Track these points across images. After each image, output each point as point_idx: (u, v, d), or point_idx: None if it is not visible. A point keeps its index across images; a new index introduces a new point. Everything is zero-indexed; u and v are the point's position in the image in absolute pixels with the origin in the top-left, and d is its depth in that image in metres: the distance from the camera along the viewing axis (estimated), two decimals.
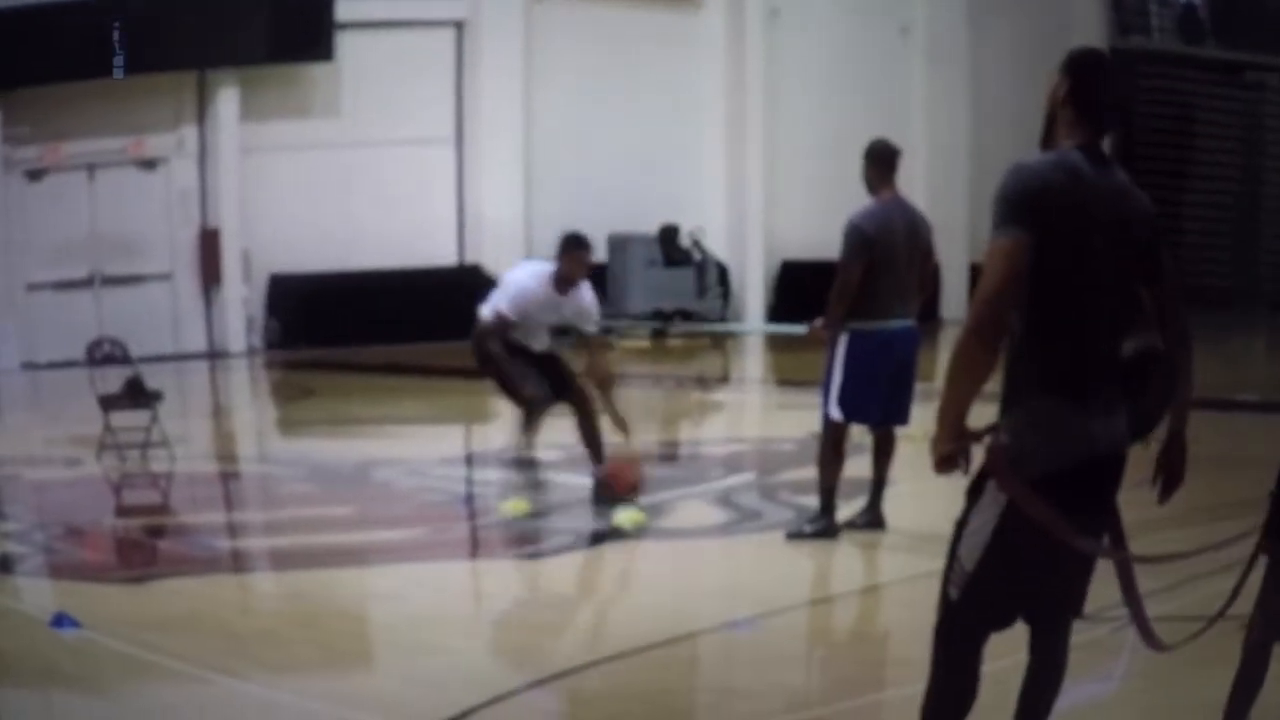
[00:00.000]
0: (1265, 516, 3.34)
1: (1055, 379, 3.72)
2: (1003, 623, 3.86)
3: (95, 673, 2.71)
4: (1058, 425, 3.73)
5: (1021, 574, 3.73)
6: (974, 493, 3.82)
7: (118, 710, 2.63)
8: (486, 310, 8.74)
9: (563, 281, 8.74)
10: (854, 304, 7.81)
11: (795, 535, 8.39)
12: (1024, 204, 3.69)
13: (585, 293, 9.06)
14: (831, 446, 8.19)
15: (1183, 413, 3.95)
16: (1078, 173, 3.73)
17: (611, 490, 8.60)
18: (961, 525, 3.85)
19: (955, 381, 3.74)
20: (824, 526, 8.22)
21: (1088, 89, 3.75)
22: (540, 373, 9.05)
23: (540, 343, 9.04)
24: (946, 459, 3.73)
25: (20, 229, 5.20)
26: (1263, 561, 3.71)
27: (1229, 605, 3.58)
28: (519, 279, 9.01)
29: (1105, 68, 3.91)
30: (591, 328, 9.09)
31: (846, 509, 8.19)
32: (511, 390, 9.13)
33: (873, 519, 8.24)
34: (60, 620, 2.98)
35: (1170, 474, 3.93)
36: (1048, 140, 3.92)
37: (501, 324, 8.62)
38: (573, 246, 8.83)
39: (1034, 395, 3.75)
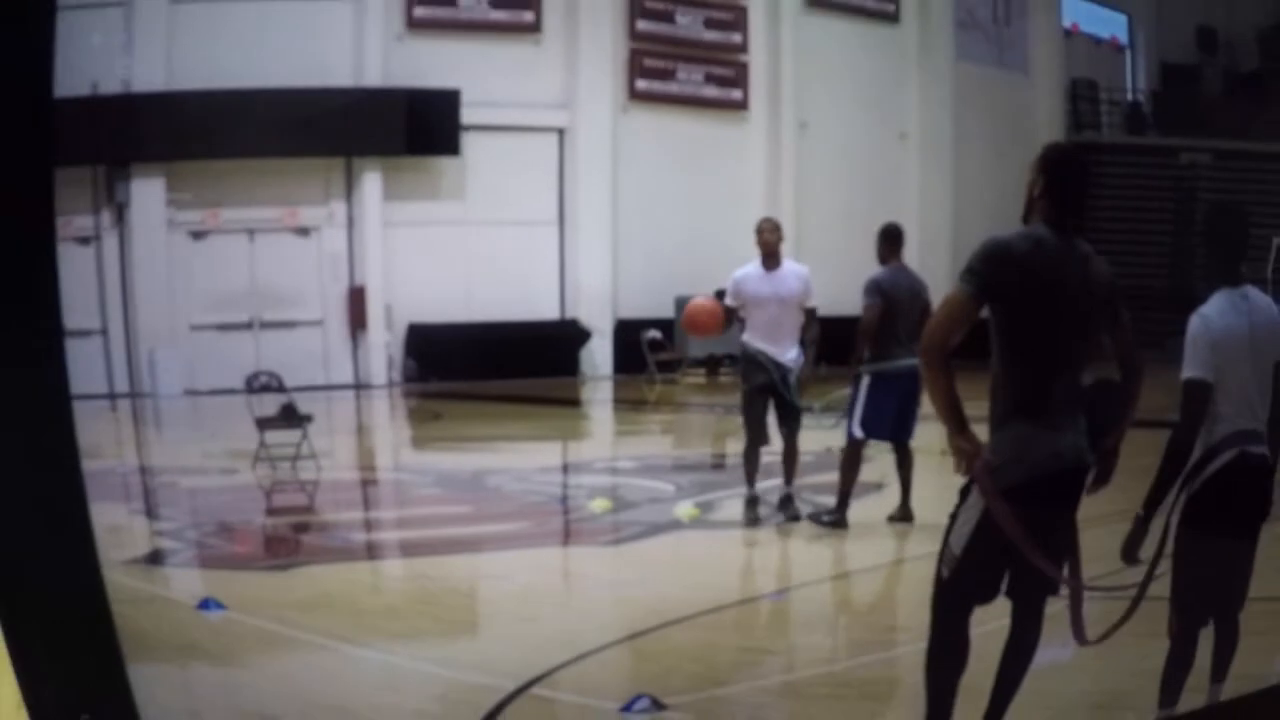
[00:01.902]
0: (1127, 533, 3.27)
1: (1027, 408, 3.68)
2: (984, 598, 3.79)
3: (234, 647, 2.64)
4: (1029, 445, 3.69)
5: (998, 559, 3.68)
6: (964, 493, 3.78)
7: (250, 676, 2.56)
8: None
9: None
10: (872, 349, 7.78)
11: (814, 517, 8.32)
12: (982, 269, 3.73)
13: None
14: (852, 457, 8.13)
15: (1120, 433, 3.84)
16: (1042, 243, 3.71)
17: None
18: (953, 518, 3.80)
19: (931, 396, 3.80)
20: (837, 519, 8.15)
21: (1057, 182, 3.68)
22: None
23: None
24: (961, 454, 3.74)
25: (184, 279, 5.16)
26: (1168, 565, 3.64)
27: (1133, 609, 3.52)
28: None
29: (1073, 162, 3.86)
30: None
31: (859, 507, 8.11)
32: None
33: (904, 514, 8.17)
34: (206, 604, 2.92)
35: (1100, 476, 3.85)
36: (1027, 219, 3.86)
37: None
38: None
39: (1010, 421, 3.72)
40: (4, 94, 1.13)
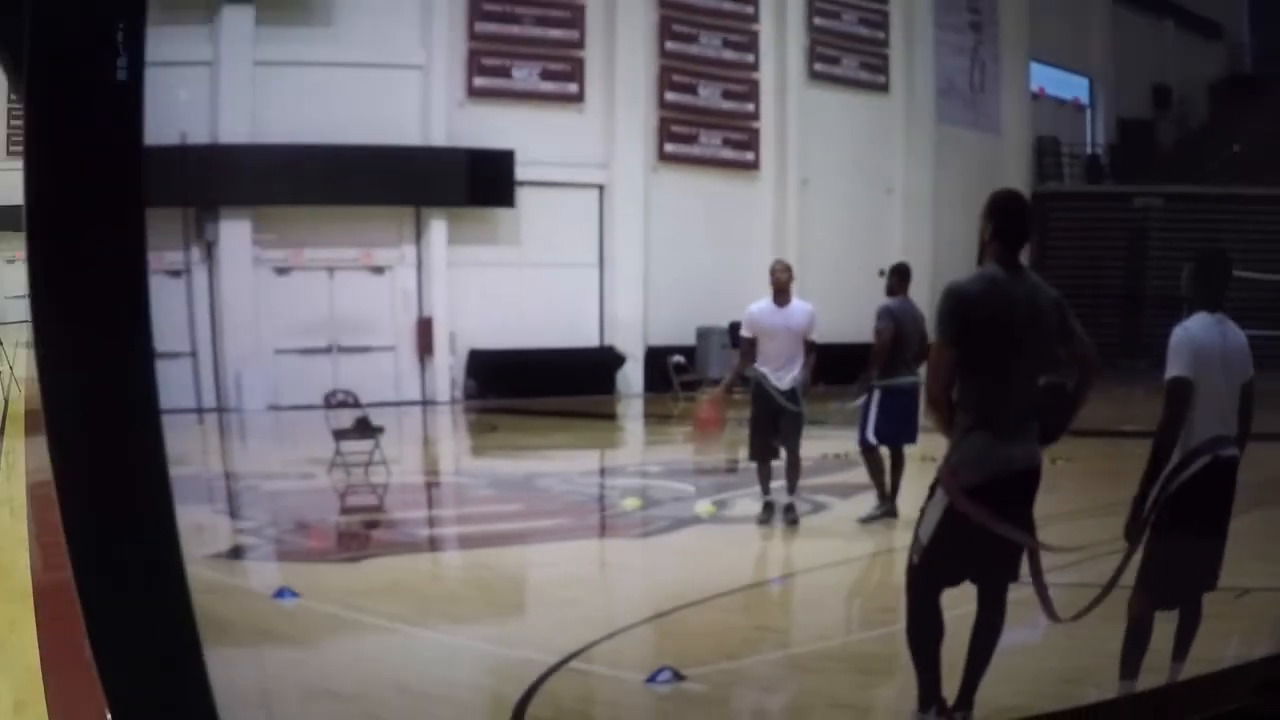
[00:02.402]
0: (1126, 518, 3.22)
1: (985, 422, 3.73)
2: (950, 582, 3.77)
3: (305, 631, 2.59)
4: (987, 452, 3.73)
5: (961, 548, 3.70)
6: (931, 491, 3.81)
7: (319, 656, 2.51)
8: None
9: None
10: (883, 369, 7.76)
11: (865, 519, 8.30)
12: (950, 320, 3.83)
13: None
14: (873, 460, 8.09)
15: (1072, 416, 3.92)
16: (995, 281, 3.77)
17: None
18: (921, 513, 3.82)
19: (938, 429, 3.86)
20: (888, 509, 8.12)
21: (1004, 225, 3.74)
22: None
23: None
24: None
25: (268, 309, 5.06)
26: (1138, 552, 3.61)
27: (1111, 585, 3.48)
28: None
29: (1016, 206, 3.95)
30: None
31: (850, 505, 8.05)
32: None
33: (890, 510, 8.12)
34: (282, 593, 2.87)
35: (1051, 433, 3.91)
36: (981, 261, 3.91)
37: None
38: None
39: (971, 432, 3.74)
40: (98, 143, 1.07)
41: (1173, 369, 2.96)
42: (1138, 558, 3.25)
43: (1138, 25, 2.47)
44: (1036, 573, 3.68)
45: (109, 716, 1.36)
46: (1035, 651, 2.75)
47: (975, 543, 3.69)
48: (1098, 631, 2.38)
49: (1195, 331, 2.90)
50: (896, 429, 9.15)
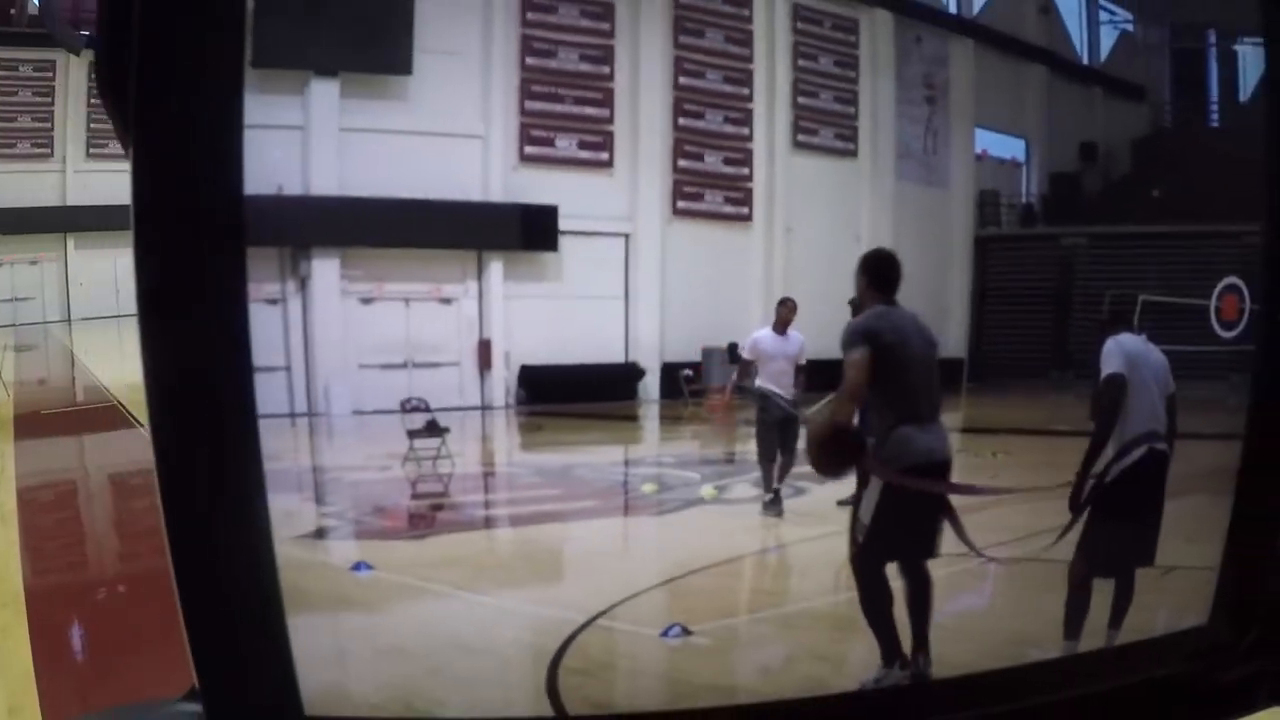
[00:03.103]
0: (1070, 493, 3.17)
1: (905, 419, 3.86)
2: (893, 555, 3.80)
3: (378, 599, 2.52)
4: (912, 442, 3.87)
5: (898, 524, 3.78)
6: (864, 481, 3.90)
7: (389, 620, 2.44)
8: None
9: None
10: None
11: (842, 502, 8.14)
12: (862, 335, 3.92)
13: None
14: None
15: None
16: (884, 313, 3.94)
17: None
18: (858, 500, 3.88)
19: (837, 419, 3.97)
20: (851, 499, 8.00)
21: (877, 277, 3.91)
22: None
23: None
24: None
25: (354, 332, 4.92)
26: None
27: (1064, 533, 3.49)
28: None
29: (886, 260, 4.07)
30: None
31: (827, 490, 7.93)
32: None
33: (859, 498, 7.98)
34: (358, 566, 2.79)
35: None
36: (863, 307, 4.02)
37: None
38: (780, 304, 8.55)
39: (895, 428, 3.87)
40: (204, 192, 1.01)
41: (1107, 368, 2.89)
42: (1078, 531, 3.20)
43: (1069, 92, 2.41)
44: (959, 530, 3.70)
45: (195, 679, 1.26)
46: (985, 617, 2.64)
47: (909, 518, 3.78)
48: (1043, 599, 2.29)
49: (1125, 340, 2.83)
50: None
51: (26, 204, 50.75)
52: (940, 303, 3.31)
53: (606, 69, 2.25)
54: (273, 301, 1.35)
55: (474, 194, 2.23)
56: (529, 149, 2.43)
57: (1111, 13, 1.67)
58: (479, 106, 2.15)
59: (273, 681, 1.16)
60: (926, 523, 3.87)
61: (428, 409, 3.55)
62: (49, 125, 52.93)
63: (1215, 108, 1.45)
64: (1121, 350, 3.00)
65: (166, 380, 1.06)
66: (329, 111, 1.74)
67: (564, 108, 2.40)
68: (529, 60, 2.11)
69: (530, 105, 2.28)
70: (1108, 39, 1.69)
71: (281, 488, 1.25)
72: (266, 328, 1.19)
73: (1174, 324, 1.35)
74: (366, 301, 1.92)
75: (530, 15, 2.03)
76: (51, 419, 20.98)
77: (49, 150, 52.89)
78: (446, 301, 2.22)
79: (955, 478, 3.75)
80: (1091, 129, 1.65)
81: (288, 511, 1.30)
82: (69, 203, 50.79)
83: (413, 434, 3.13)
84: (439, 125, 2.07)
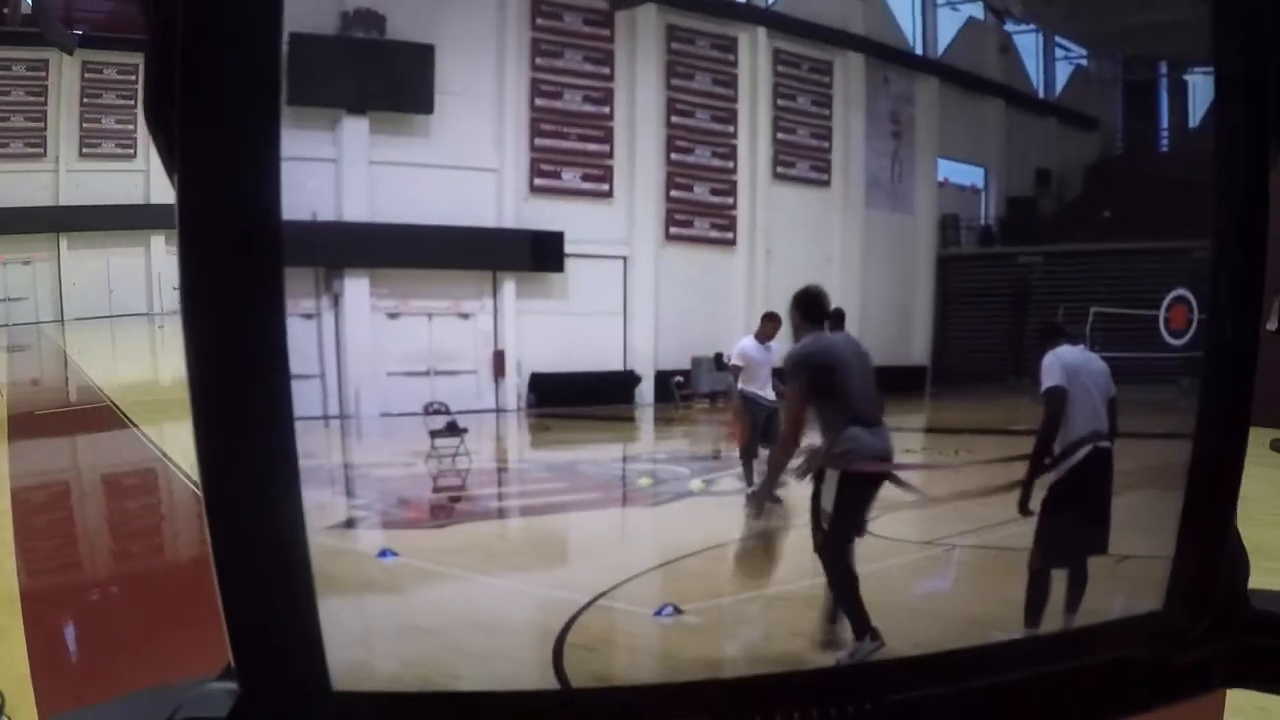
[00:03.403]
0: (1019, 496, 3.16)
1: (851, 422, 3.75)
2: (851, 540, 3.74)
3: (401, 582, 2.50)
4: (864, 440, 3.76)
5: (857, 512, 3.74)
6: (821, 477, 3.90)
7: (411, 601, 2.42)
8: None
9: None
10: None
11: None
12: (795, 366, 4.03)
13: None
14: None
15: None
16: (819, 339, 3.91)
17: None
18: (818, 495, 3.85)
19: (785, 449, 4.08)
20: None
21: (808, 309, 3.82)
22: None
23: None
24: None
25: (383, 343, 4.90)
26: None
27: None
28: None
29: (811, 295, 3.92)
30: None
31: (805, 484, 7.96)
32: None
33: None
34: (384, 553, 2.76)
35: None
36: (798, 338, 4.02)
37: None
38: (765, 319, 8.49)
39: (847, 428, 3.78)
40: (245, 218, 1.17)
41: (1047, 381, 2.88)
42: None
43: (1026, 123, 2.39)
44: (902, 485, 3.85)
45: (231, 658, 1.26)
46: (950, 600, 2.62)
47: (866, 505, 3.79)
48: (1001, 582, 2.28)
49: (1063, 353, 2.82)
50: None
51: (19, 204, 48.99)
52: (905, 316, 3.30)
53: (607, 109, 2.23)
54: (309, 316, 1.34)
55: (489, 221, 2.24)
56: (538, 181, 2.42)
57: (1067, 49, 1.66)
58: (493, 142, 2.14)
59: (303, 660, 1.22)
60: (871, 501, 3.87)
61: (448, 411, 3.57)
62: (42, 125, 51.43)
63: (1165, 134, 1.43)
64: (1060, 363, 2.99)
65: (210, 387, 1.13)
66: (359, 146, 1.72)
67: (569, 144, 2.39)
68: (538, 101, 2.10)
69: (539, 142, 2.27)
70: (1063, 73, 1.68)
71: (315, 483, 1.27)
72: (303, 340, 1.22)
73: (1125, 333, 1.34)
74: (393, 316, 1.92)
75: (539, 60, 2.01)
76: (46, 419, 20.41)
77: (42, 150, 51.60)
78: (465, 316, 2.23)
79: (910, 473, 3.79)
80: (1047, 156, 1.64)
81: (321, 504, 1.30)
82: (62, 202, 48.76)
83: (434, 434, 3.15)
84: (458, 159, 2.06)
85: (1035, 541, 3.35)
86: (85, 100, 48.25)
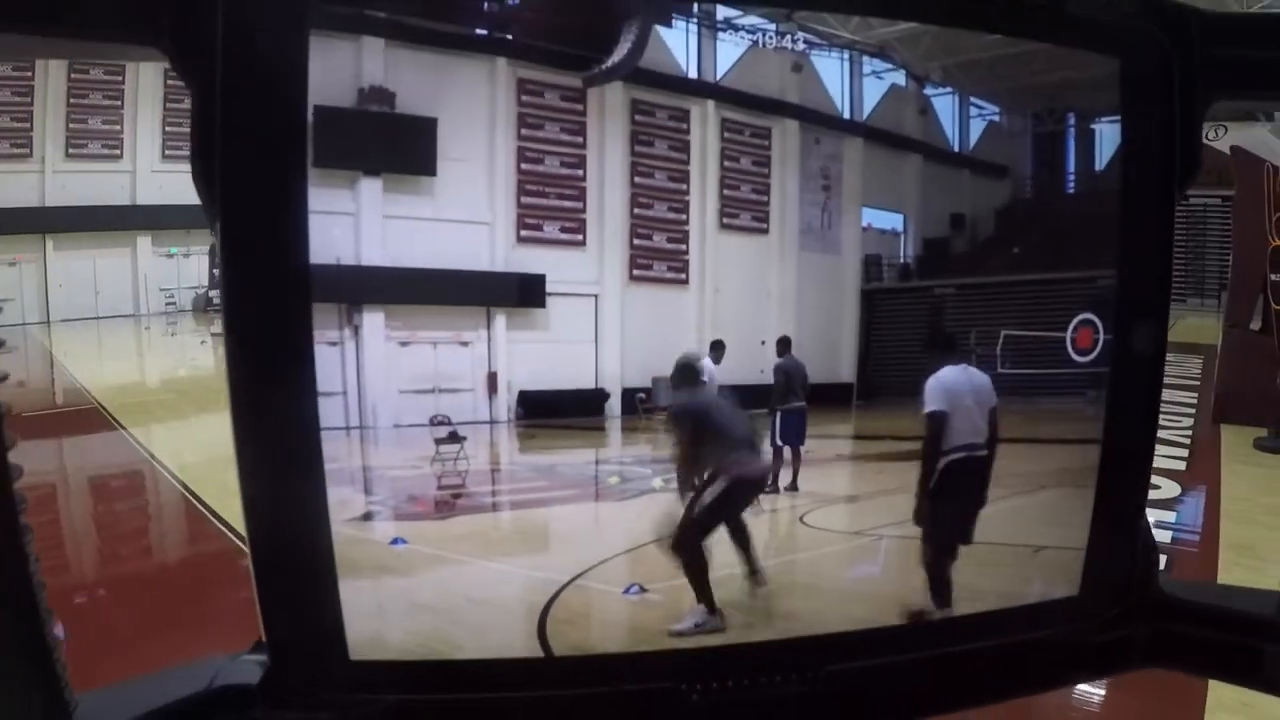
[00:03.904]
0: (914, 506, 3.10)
1: (732, 450, 3.77)
2: (712, 531, 3.65)
3: (411, 566, 2.43)
4: (739, 464, 3.74)
5: (728, 510, 3.44)
6: (710, 481, 3.62)
7: (419, 582, 2.35)
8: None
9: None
10: (780, 399, 7.59)
11: (786, 488, 8.16)
12: (682, 418, 3.82)
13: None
14: (777, 454, 7.96)
15: None
16: (694, 396, 3.78)
17: None
18: (698, 492, 3.56)
19: (682, 477, 3.67)
20: (789, 486, 8.00)
21: (682, 379, 3.77)
22: None
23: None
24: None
25: (395, 367, 4.83)
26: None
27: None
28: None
29: (688, 364, 3.91)
30: None
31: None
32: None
33: (794, 486, 7.95)
34: (396, 540, 2.69)
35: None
36: (675, 396, 3.84)
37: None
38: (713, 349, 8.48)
39: (726, 456, 3.73)
40: (278, 262, 1.13)
41: (929, 405, 2.84)
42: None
43: (942, 175, 2.33)
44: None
45: (262, 634, 1.21)
46: (878, 583, 2.54)
47: (737, 507, 3.57)
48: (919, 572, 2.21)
49: (943, 376, 2.76)
50: (793, 436, 8.97)
51: (5, 205, 43.60)
52: (834, 341, 3.26)
53: (580, 172, 2.18)
54: (333, 344, 1.30)
55: (483, 265, 2.19)
56: (523, 232, 2.37)
57: (981, 107, 1.61)
58: (486, 200, 2.09)
59: (325, 633, 1.22)
60: (746, 506, 3.89)
61: (450, 423, 3.53)
62: (28, 125, 44.97)
63: (1071, 178, 1.38)
64: (940, 386, 2.93)
65: (249, 403, 1.12)
66: (374, 202, 1.67)
67: (549, 201, 2.34)
68: (523, 166, 2.05)
69: (524, 200, 2.22)
70: (977, 129, 1.63)
71: (338, 482, 1.24)
72: (328, 363, 1.19)
73: (1035, 352, 1.28)
74: (404, 344, 1.87)
75: (524, 131, 1.96)
76: (33, 421, 17.81)
77: (28, 150, 45.08)
78: (464, 344, 2.19)
79: (842, 473, 3.71)
80: (961, 203, 1.59)
81: (342, 500, 1.26)
82: (48, 203, 42.65)
83: (438, 441, 3.12)
84: (457, 214, 2.02)
85: (922, 537, 3.29)
86: (71, 101, 42.46)
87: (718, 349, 8.14)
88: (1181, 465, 18.46)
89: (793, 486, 8.06)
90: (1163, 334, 1.29)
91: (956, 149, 1.92)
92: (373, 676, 1.19)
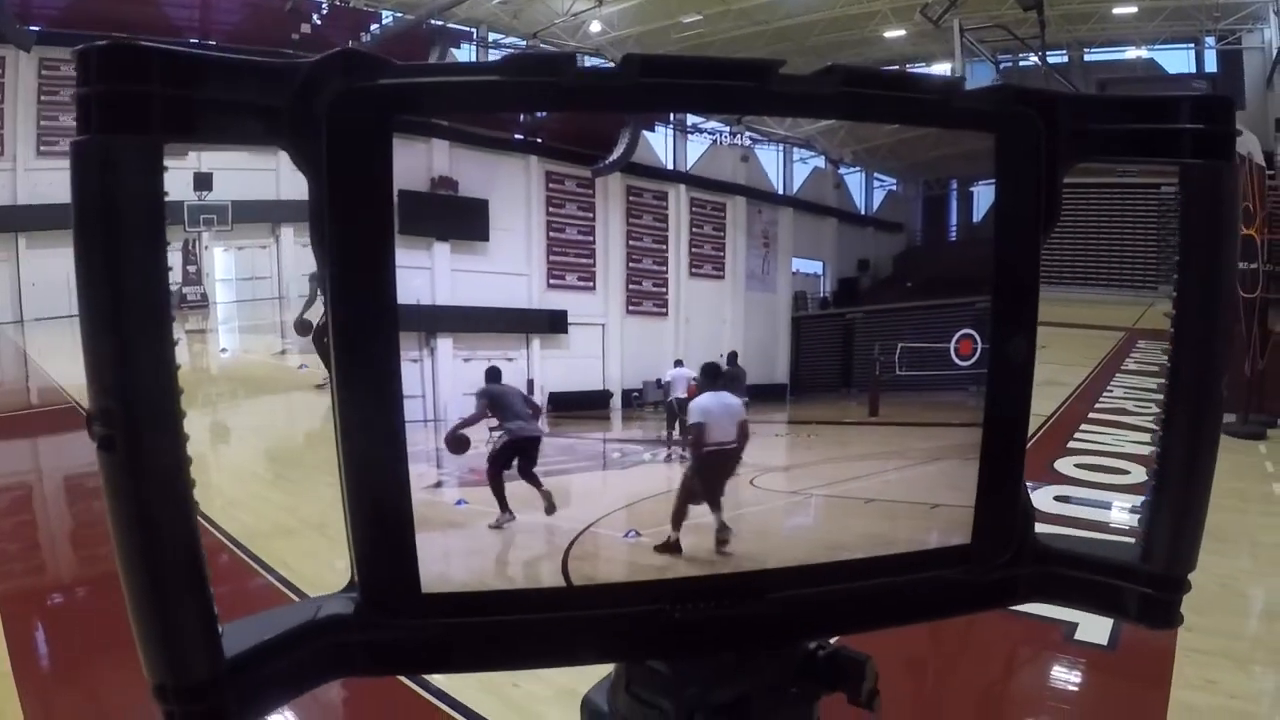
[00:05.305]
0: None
1: (514, 419, 3.44)
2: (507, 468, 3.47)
3: (468, 519, 2.32)
4: (519, 430, 3.46)
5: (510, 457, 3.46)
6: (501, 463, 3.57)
7: (475, 532, 2.22)
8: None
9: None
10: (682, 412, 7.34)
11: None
12: (481, 395, 3.48)
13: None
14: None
15: None
16: (496, 383, 3.49)
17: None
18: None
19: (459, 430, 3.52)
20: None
21: (494, 402, 3.52)
22: None
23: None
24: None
25: (460, 377, 4.79)
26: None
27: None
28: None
29: (490, 390, 3.76)
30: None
31: None
32: None
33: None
34: (459, 501, 2.59)
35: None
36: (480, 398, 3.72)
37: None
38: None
39: (511, 421, 3.47)
40: (374, 303, 1.11)
41: (690, 420, 2.74)
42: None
43: (851, 232, 2.25)
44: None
45: (354, 575, 1.14)
46: (814, 530, 2.45)
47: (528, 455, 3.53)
48: (849, 523, 2.11)
49: (700, 401, 2.66)
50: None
51: None
52: (772, 354, 3.14)
53: (591, 238, 2.11)
54: (415, 361, 1.24)
55: (523, 304, 2.12)
56: (551, 281, 2.29)
57: (882, 180, 1.56)
58: (525, 258, 2.02)
59: (404, 573, 1.16)
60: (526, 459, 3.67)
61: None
62: None
63: (953, 229, 1.32)
64: (699, 407, 2.85)
65: (352, 404, 1.09)
66: (444, 259, 1.62)
67: (569, 259, 2.26)
68: (551, 234, 1.98)
69: (552, 258, 2.14)
70: (879, 196, 1.57)
71: (417, 460, 1.18)
72: (411, 375, 1.12)
73: (927, 359, 1.23)
74: (466, 360, 1.79)
75: (551, 209, 1.90)
76: (8, 421, 14.01)
77: None
78: (510, 360, 2.10)
79: (777, 450, 3.60)
80: (865, 251, 1.53)
81: (420, 474, 1.21)
82: (20, 201, 31.23)
83: (491, 429, 2.96)
84: (504, 268, 1.96)
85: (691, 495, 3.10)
86: (42, 98, 31.57)
87: (732, 361, 7.92)
88: (1155, 447, 18.01)
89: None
90: (1032, 343, 1.23)
91: (863, 212, 1.84)
92: (438, 604, 1.14)
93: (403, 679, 5.01)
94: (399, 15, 34.78)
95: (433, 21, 34.23)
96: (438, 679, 5.16)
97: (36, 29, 32.43)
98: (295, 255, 34.20)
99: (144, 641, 0.98)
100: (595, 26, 38.47)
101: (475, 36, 37.31)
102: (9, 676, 5.68)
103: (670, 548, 1.63)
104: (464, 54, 37.56)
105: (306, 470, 10.61)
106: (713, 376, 2.12)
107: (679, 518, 1.95)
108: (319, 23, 33.05)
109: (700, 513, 1.66)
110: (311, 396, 15.37)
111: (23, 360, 22.99)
